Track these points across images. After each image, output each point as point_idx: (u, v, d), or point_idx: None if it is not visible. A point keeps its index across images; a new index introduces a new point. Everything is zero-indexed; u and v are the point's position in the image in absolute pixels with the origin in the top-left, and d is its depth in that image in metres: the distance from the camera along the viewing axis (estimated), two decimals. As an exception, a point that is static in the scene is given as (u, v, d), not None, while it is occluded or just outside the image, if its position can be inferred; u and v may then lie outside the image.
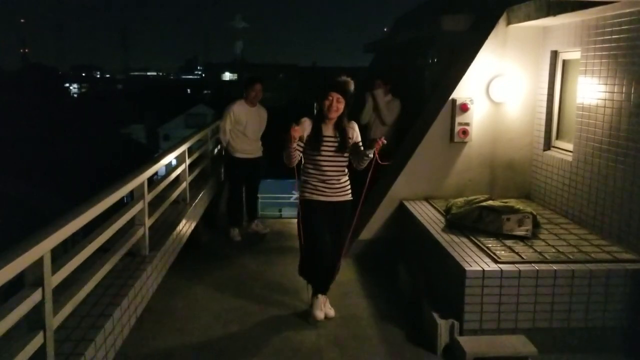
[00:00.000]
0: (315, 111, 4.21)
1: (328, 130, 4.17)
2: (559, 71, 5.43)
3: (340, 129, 4.17)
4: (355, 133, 4.25)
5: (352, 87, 4.11)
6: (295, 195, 19.60)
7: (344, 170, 4.25)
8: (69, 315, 2.77)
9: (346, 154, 4.20)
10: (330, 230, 4.26)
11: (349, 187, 4.32)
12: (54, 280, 2.54)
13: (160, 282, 4.15)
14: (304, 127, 4.13)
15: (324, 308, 4.38)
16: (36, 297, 2.35)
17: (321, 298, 4.37)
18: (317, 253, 4.24)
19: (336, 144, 4.15)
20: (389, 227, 5.83)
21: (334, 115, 4.10)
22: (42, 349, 2.40)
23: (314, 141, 4.14)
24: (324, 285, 4.41)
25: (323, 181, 4.19)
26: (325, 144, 4.15)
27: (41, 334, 2.39)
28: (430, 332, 4.04)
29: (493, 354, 3.72)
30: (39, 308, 2.39)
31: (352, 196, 4.33)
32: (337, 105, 4.07)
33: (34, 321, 2.40)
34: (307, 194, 4.25)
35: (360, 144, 4.24)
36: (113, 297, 3.26)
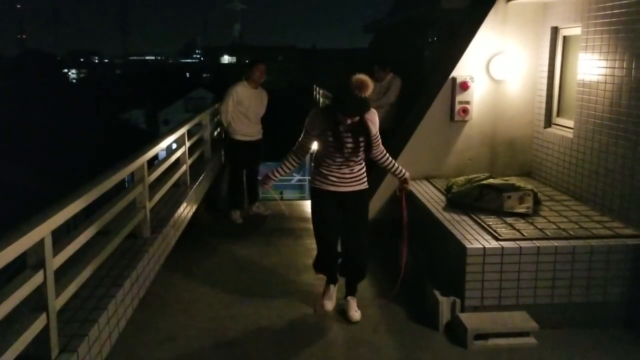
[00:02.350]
0: (315, 91, 4.02)
1: (345, 124, 3.81)
2: (559, 48, 5.39)
3: (357, 128, 3.80)
4: (374, 126, 3.86)
5: (370, 88, 3.63)
6: (296, 177, 19.63)
7: (359, 160, 3.96)
8: (71, 297, 2.78)
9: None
10: (344, 222, 4.06)
11: (364, 176, 4.03)
12: (56, 262, 2.55)
13: (162, 264, 4.17)
14: (320, 121, 3.82)
15: (354, 310, 4.17)
16: (38, 278, 2.36)
17: (350, 301, 4.19)
18: (324, 243, 4.11)
19: (352, 141, 3.81)
20: (389, 207, 5.83)
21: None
22: (45, 330, 2.41)
23: (336, 141, 3.79)
24: (349, 285, 4.23)
25: (336, 171, 3.93)
26: (345, 140, 3.82)
27: (44, 315, 2.40)
28: (432, 309, 4.06)
29: (494, 330, 3.75)
30: (41, 290, 2.40)
31: (367, 184, 4.06)
32: (353, 120, 3.73)
33: (37, 303, 2.41)
34: (317, 182, 4.02)
35: (377, 137, 3.92)
36: (115, 279, 3.27)
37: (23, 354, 2.26)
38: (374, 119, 3.88)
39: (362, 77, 3.61)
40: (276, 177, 4.06)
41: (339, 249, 4.19)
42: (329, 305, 4.25)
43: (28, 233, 2.26)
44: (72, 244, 2.77)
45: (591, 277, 3.88)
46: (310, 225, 4.21)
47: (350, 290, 4.25)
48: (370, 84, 3.63)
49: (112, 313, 3.00)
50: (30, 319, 2.33)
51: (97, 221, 3.09)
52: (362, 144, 3.84)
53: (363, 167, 4.04)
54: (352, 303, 4.20)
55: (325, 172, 3.96)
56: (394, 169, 4.08)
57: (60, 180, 14.36)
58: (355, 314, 4.15)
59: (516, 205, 4.43)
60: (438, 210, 4.72)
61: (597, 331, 3.89)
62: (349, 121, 3.74)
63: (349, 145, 3.82)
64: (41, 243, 2.38)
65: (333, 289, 4.31)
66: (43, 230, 2.37)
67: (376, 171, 5.93)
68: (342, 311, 4.21)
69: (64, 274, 2.75)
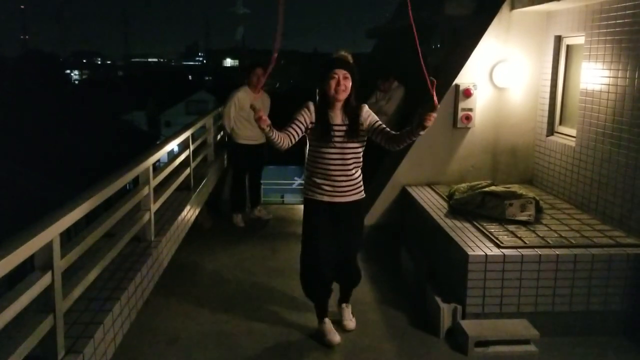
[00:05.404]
0: (317, 97, 3.89)
1: (336, 117, 3.59)
2: (562, 56, 5.42)
3: (350, 114, 3.59)
4: (365, 118, 3.61)
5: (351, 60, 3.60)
6: (297, 182, 19.64)
7: (356, 163, 3.67)
8: (77, 298, 2.81)
9: (360, 143, 3.64)
10: (337, 237, 3.74)
11: (360, 182, 3.73)
12: (63, 263, 2.57)
13: (166, 267, 4.19)
14: (311, 112, 3.59)
15: (349, 319, 4.07)
16: (46, 280, 2.39)
17: (344, 308, 4.09)
18: (311, 261, 3.77)
19: (345, 131, 3.58)
20: (391, 213, 5.86)
21: (343, 95, 3.52)
22: (52, 331, 2.43)
23: (324, 131, 3.56)
24: (342, 292, 4.10)
25: (329, 178, 3.61)
26: (335, 133, 3.57)
27: (51, 316, 2.42)
28: (433, 316, 4.07)
29: (495, 337, 3.77)
30: (48, 291, 2.43)
31: (364, 193, 3.78)
32: (345, 83, 3.49)
33: (44, 304, 2.44)
34: (309, 192, 3.71)
35: (379, 123, 3.63)
36: (120, 281, 3.30)
37: (30, 355, 2.29)
38: (364, 110, 3.63)
39: (343, 53, 3.62)
40: (264, 126, 3.28)
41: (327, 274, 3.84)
42: (336, 338, 3.85)
43: (37, 235, 2.28)
44: (80, 246, 2.79)
45: (592, 286, 3.90)
46: None
47: (344, 297, 4.13)
48: (350, 57, 3.62)
49: (117, 315, 3.03)
50: (37, 321, 2.35)
51: (103, 224, 3.12)
52: (349, 132, 3.58)
53: (360, 173, 3.75)
54: (347, 311, 4.11)
55: (318, 180, 3.66)
56: (408, 135, 3.49)
57: (61, 181, 14.36)
58: (350, 322, 4.07)
59: (518, 213, 4.45)
60: (440, 216, 4.74)
61: (597, 339, 3.91)
62: (339, 79, 3.50)
63: (336, 136, 3.57)
64: (49, 245, 2.41)
65: (329, 322, 3.93)
66: (52, 233, 2.40)
67: (377, 179, 5.96)
68: (337, 321, 4.07)
69: (70, 276, 2.78)
